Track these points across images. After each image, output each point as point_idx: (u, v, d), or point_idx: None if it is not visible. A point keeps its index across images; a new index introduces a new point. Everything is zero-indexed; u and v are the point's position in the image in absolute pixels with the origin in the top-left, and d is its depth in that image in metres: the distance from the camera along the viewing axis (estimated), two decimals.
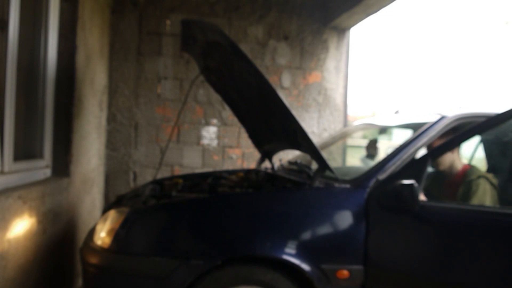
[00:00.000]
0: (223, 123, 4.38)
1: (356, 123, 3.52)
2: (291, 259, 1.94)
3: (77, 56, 2.83)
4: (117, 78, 4.18)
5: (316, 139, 4.31)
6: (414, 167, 2.03)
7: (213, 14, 4.32)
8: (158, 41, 4.25)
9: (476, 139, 2.70)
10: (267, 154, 3.11)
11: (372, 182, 2.05)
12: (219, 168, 4.31)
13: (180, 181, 2.78)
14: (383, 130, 3.36)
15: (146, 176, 4.20)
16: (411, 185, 1.87)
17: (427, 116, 2.40)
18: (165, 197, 2.34)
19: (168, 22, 4.26)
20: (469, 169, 2.40)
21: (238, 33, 4.36)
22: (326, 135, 4.49)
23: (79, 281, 2.95)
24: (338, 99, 4.59)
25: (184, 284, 1.92)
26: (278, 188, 2.39)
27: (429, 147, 2.28)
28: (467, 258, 1.81)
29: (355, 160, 4.69)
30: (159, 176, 3.49)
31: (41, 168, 2.59)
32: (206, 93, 4.29)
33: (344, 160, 4.41)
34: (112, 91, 4.17)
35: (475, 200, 2.22)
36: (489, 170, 2.64)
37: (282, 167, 2.89)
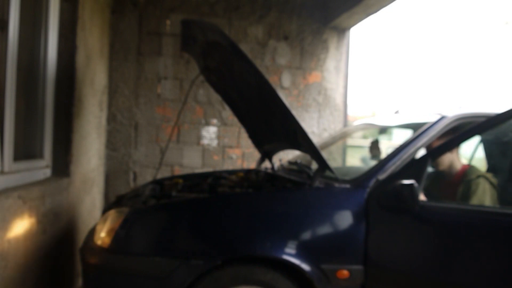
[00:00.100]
0: (223, 123, 4.38)
1: (356, 123, 3.52)
2: (291, 259, 1.93)
3: (77, 56, 2.83)
4: (117, 78, 4.18)
5: (316, 139, 4.31)
6: (414, 167, 2.03)
7: (213, 14, 4.32)
8: (158, 41, 4.26)
9: (476, 139, 2.69)
10: (267, 154, 3.11)
11: (372, 182, 2.05)
12: (219, 168, 4.31)
13: (180, 181, 2.78)
14: (383, 130, 3.36)
15: (146, 176, 4.20)
16: (411, 185, 1.87)
17: (427, 116, 2.40)
18: (165, 197, 2.34)
19: (168, 22, 4.26)
20: (469, 169, 2.40)
21: (238, 33, 4.36)
22: (326, 135, 4.49)
23: (79, 281, 2.95)
24: (338, 99, 4.59)
25: (184, 284, 1.92)
26: (278, 188, 2.39)
27: (429, 147, 2.28)
28: (467, 258, 1.81)
29: (355, 160, 4.69)
30: (159, 176, 3.49)
31: (41, 168, 2.59)
32: (206, 93, 4.29)
33: (344, 160, 4.41)
34: (112, 91, 4.17)
35: (475, 200, 2.22)
36: (489, 170, 2.64)
37: (282, 167, 2.89)
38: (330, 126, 4.57)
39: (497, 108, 2.17)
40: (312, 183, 2.12)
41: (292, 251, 1.95)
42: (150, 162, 4.25)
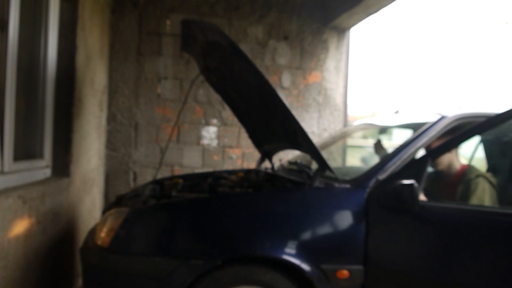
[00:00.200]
0: (223, 123, 4.38)
1: (356, 123, 3.52)
2: (291, 259, 1.93)
3: (77, 56, 2.83)
4: (117, 78, 4.18)
5: (316, 139, 4.31)
6: (414, 167, 2.03)
7: (213, 14, 4.32)
8: (158, 41, 4.26)
9: (476, 139, 2.69)
10: (267, 154, 3.11)
11: (372, 182, 2.05)
12: (219, 168, 4.31)
13: (180, 181, 2.78)
14: (383, 130, 3.36)
15: (146, 176, 4.20)
16: (411, 185, 1.87)
17: (427, 116, 2.40)
18: (165, 197, 2.34)
19: (168, 22, 4.26)
20: (468, 169, 2.40)
21: (238, 33, 4.36)
22: (326, 135, 4.49)
23: (79, 281, 2.95)
24: (338, 99, 4.60)
25: (184, 284, 1.92)
26: (278, 188, 2.39)
27: (429, 147, 2.28)
28: (467, 258, 1.81)
29: (355, 160, 4.69)
30: (159, 176, 3.49)
31: (41, 168, 2.59)
32: (206, 93, 4.29)
33: (344, 160, 4.41)
34: (112, 91, 4.17)
35: (474, 199, 2.22)
36: (489, 170, 2.64)
37: (282, 167, 2.89)
38: (330, 126, 4.57)
39: (497, 108, 2.17)
40: (312, 183, 2.12)
41: (292, 251, 1.95)
42: (150, 162, 4.25)
